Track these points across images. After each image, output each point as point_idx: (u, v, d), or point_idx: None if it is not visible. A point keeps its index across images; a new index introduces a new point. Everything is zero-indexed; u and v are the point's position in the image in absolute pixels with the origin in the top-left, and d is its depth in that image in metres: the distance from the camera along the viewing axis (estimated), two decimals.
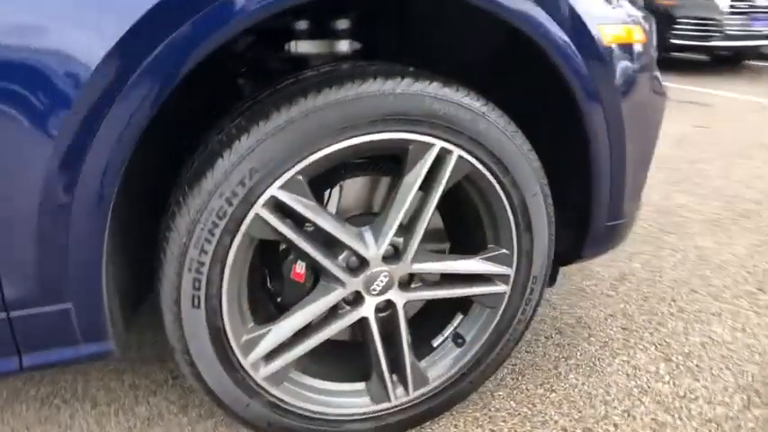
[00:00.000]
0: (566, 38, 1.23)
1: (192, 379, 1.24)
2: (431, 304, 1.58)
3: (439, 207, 1.47)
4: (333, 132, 1.13)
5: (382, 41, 1.65)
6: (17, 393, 1.64)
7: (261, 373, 1.27)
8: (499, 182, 1.30)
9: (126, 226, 1.18)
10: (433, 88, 1.18)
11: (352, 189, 1.35)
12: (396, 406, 1.43)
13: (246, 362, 1.25)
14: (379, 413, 1.42)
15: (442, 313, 1.54)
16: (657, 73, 1.51)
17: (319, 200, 1.30)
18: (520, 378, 1.70)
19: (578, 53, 1.26)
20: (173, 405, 1.59)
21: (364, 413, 1.41)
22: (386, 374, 1.38)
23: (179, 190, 1.15)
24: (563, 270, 2.31)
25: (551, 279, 1.63)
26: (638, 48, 1.39)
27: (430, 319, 1.55)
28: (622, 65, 1.34)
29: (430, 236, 1.49)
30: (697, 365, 1.78)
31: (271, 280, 1.35)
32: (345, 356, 1.47)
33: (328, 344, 1.49)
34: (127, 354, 1.25)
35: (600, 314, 2.04)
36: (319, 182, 1.28)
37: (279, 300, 1.33)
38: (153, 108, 1.01)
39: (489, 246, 1.41)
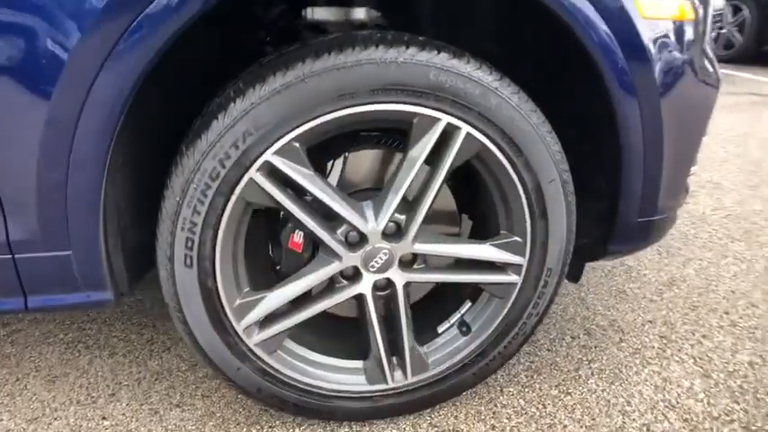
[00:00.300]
0: (590, 11, 1.12)
1: (185, 337, 1.26)
2: (442, 288, 1.53)
3: (454, 188, 1.42)
4: (330, 100, 1.09)
5: (414, 15, 1.59)
6: (47, 336, 1.75)
7: (254, 339, 1.27)
8: (511, 163, 1.22)
9: (127, 180, 1.21)
10: (440, 59, 1.11)
11: (359, 162, 1.31)
12: (392, 389, 1.39)
13: (239, 326, 1.25)
14: (374, 394, 1.39)
15: (452, 299, 1.48)
16: (710, 58, 1.36)
17: (321, 170, 1.27)
18: (535, 376, 1.61)
19: (607, 28, 1.15)
20: (183, 363, 1.64)
21: (359, 392, 1.38)
22: (383, 355, 1.35)
23: (179, 151, 1.16)
24: (605, 269, 2.18)
25: (575, 275, 1.53)
26: (684, 26, 1.25)
27: (438, 304, 1.49)
28: (662, 44, 1.21)
29: (442, 218, 1.43)
30: (740, 386, 1.61)
31: (272, 248, 1.35)
32: (348, 333, 1.45)
33: (331, 318, 1.48)
34: (124, 304, 1.25)
35: (638, 319, 1.89)
36: (322, 152, 1.26)
37: (278, 268, 1.32)
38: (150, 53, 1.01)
39: (502, 232, 1.34)
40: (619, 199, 1.33)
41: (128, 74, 1.02)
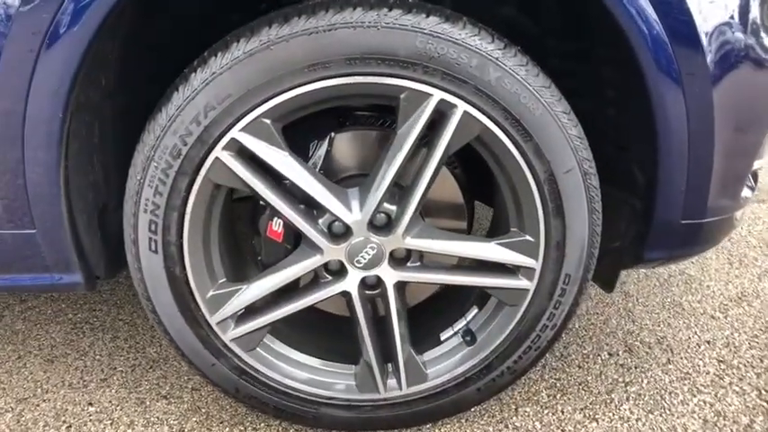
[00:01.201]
0: None
1: (157, 327, 1.17)
2: (448, 290, 1.36)
3: (462, 174, 1.25)
4: (299, 70, 0.96)
5: None
6: (57, 314, 1.74)
7: (229, 334, 1.17)
8: (519, 149, 1.04)
9: (106, 156, 1.14)
10: (428, 23, 0.95)
11: (348, 144, 1.17)
12: (384, 399, 1.24)
13: (212, 319, 1.15)
14: (363, 404, 1.25)
15: (458, 303, 1.31)
16: None
17: (303, 151, 1.14)
18: (559, 396, 1.41)
19: None
20: None
21: (347, 400, 1.25)
22: (373, 361, 1.20)
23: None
24: (660, 277, 1.92)
25: (608, 283, 1.31)
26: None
27: (443, 308, 1.33)
28: (714, 19, 0.98)
29: (445, 210, 1.27)
30: None
31: (254, 236, 1.24)
32: (340, 332, 1.32)
33: (323, 315, 1.35)
34: (96, 289, 1.19)
35: (693, 338, 1.63)
36: (304, 131, 1.13)
37: (259, 258, 1.21)
38: None
39: (512, 229, 1.15)
40: (656, 195, 1.10)
41: None
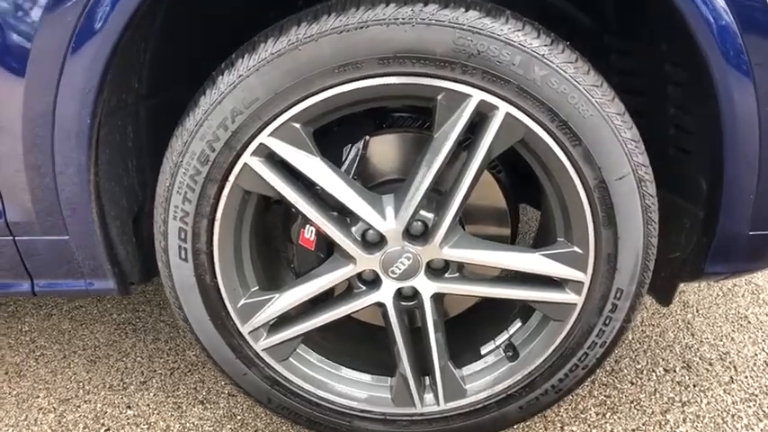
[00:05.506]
0: None
1: (190, 336, 1.16)
2: (491, 301, 1.29)
3: (506, 177, 1.18)
4: (330, 71, 0.91)
5: None
6: (103, 314, 1.77)
7: (261, 344, 1.14)
8: (566, 153, 0.96)
9: (144, 162, 1.13)
10: (467, 18, 0.88)
11: (384, 148, 1.12)
12: (420, 414, 1.19)
13: (244, 328, 1.12)
14: (399, 418, 1.19)
15: (502, 316, 1.24)
16: None
17: (336, 156, 1.09)
18: (609, 415, 1.32)
19: None
20: None
21: (382, 414, 1.20)
22: (409, 374, 1.15)
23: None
24: (723, 287, 1.78)
25: (665, 297, 1.21)
26: None
27: (485, 320, 1.26)
28: None
29: (487, 217, 1.20)
30: None
31: (287, 243, 1.20)
32: (377, 343, 1.27)
33: (359, 325, 1.31)
34: (130, 293, 1.18)
35: (759, 355, 1.50)
36: (338, 134, 1.08)
37: (292, 266, 1.17)
38: None
39: (558, 239, 1.07)
40: (720, 203, 1.00)
41: None
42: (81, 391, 1.46)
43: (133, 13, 0.88)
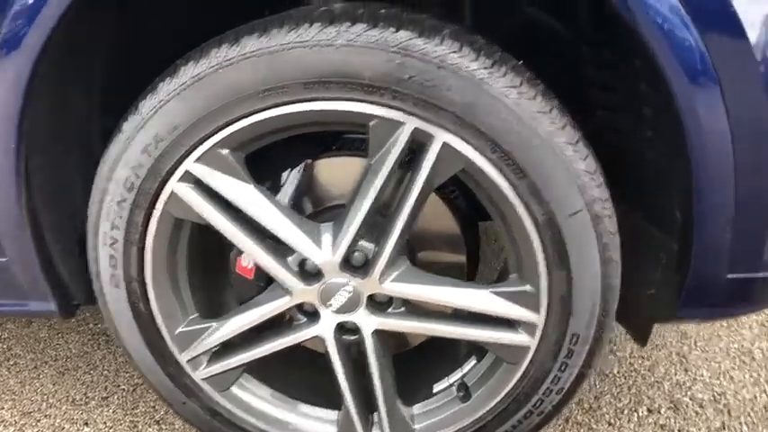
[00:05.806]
0: None
1: (130, 361, 1.12)
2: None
3: (458, 205, 1.10)
4: (254, 95, 0.85)
5: None
6: (80, 324, 1.76)
7: (200, 373, 1.09)
8: (512, 186, 0.87)
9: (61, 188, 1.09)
10: (398, 38, 0.80)
11: (329, 172, 1.05)
12: None
13: (182, 356, 1.08)
14: None
15: (458, 351, 1.16)
16: None
17: (277, 182, 1.03)
18: None
19: None
20: None
21: None
22: (352, 411, 1.08)
23: None
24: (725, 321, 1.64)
25: (640, 336, 1.11)
26: None
27: (441, 355, 1.18)
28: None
29: (443, 245, 1.12)
30: None
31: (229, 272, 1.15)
32: (323, 374, 1.20)
33: (306, 354, 1.24)
34: (71, 317, 1.15)
35: (761, 398, 1.37)
36: (278, 159, 1.02)
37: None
38: None
39: (511, 276, 0.99)
40: (691, 239, 0.90)
41: None
42: (44, 404, 1.44)
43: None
